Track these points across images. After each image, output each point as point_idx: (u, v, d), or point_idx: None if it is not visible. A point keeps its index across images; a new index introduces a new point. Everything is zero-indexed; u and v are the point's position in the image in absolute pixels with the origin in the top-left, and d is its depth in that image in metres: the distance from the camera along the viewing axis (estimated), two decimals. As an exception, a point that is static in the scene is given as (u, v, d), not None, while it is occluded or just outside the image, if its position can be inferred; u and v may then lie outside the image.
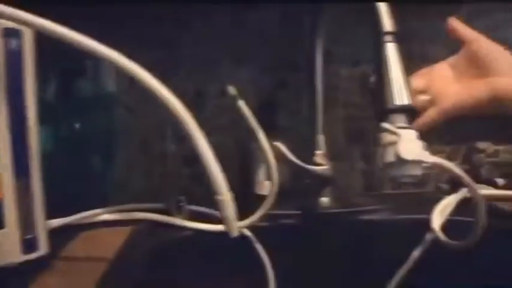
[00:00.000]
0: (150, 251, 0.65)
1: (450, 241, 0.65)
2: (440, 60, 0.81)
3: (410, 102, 0.49)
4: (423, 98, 0.53)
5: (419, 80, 0.52)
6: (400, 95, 0.49)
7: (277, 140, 0.76)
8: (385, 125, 0.48)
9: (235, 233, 0.46)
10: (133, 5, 0.77)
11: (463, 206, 0.70)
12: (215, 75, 0.83)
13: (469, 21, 0.82)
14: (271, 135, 0.77)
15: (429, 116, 0.51)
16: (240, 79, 0.83)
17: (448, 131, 0.88)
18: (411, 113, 0.49)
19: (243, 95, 0.81)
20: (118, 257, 0.59)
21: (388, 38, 0.52)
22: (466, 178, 0.51)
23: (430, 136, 0.87)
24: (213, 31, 0.82)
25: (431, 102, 0.52)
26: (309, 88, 0.74)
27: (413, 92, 0.50)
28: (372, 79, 0.52)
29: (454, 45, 0.84)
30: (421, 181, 0.90)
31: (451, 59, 0.55)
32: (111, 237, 0.65)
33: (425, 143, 0.48)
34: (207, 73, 0.83)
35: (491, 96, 0.42)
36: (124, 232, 0.67)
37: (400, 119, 0.48)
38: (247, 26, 0.83)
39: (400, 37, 0.80)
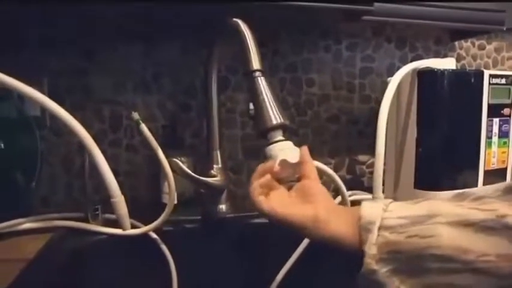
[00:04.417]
0: (67, 253, 0.73)
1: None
2: (322, 84, 0.98)
3: (283, 120, 0.60)
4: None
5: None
6: (274, 116, 0.60)
7: (182, 156, 0.87)
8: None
9: (127, 228, 0.57)
10: (45, 37, 0.88)
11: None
12: (128, 100, 0.93)
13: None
14: (177, 152, 0.88)
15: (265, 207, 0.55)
16: (149, 104, 0.94)
17: (333, 145, 1.04)
18: (285, 128, 0.61)
19: (152, 117, 0.93)
20: (36, 257, 0.67)
21: (257, 73, 0.64)
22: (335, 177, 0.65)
23: (321, 150, 1.03)
24: (124, 62, 0.92)
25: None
26: (207, 111, 0.85)
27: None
28: (251, 106, 0.64)
29: (335, 73, 1.01)
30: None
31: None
32: (32, 243, 0.72)
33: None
34: (120, 99, 0.93)
35: (313, 215, 0.51)
36: (45, 238, 0.74)
37: (278, 134, 0.60)
38: (154, 57, 0.94)
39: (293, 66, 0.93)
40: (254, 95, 0.63)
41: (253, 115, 0.63)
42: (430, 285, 0.44)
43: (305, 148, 0.59)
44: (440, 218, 0.43)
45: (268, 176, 0.56)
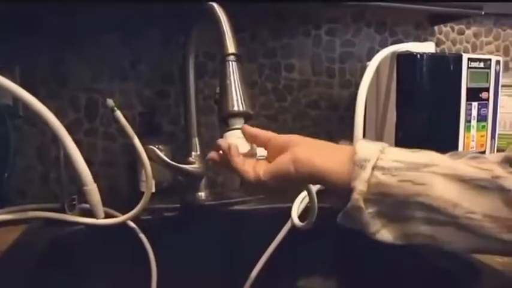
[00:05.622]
0: (44, 243, 0.70)
1: (300, 223, 0.79)
2: (301, 70, 0.97)
3: (245, 108, 0.58)
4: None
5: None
6: (236, 102, 0.58)
7: (160, 144, 0.86)
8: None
9: (101, 217, 0.56)
10: (20, 24, 0.84)
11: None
12: (104, 88, 0.91)
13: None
14: (155, 139, 0.87)
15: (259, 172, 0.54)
16: (127, 91, 0.92)
17: (313, 131, 1.03)
18: (246, 116, 0.59)
19: (129, 105, 0.92)
20: (11, 248, 0.65)
21: (230, 57, 0.62)
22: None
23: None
24: (100, 49, 0.90)
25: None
26: (184, 97, 0.84)
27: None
28: (217, 90, 0.62)
29: (315, 58, 1.01)
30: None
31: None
32: (7, 235, 0.70)
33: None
34: (97, 87, 0.91)
35: (292, 157, 0.50)
36: (21, 230, 0.72)
37: (239, 121, 0.58)
38: (131, 44, 0.92)
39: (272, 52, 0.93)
40: (221, 79, 0.61)
41: (217, 99, 0.62)
42: (410, 234, 0.44)
43: (246, 126, 0.58)
44: (437, 168, 0.42)
45: (235, 149, 0.55)
